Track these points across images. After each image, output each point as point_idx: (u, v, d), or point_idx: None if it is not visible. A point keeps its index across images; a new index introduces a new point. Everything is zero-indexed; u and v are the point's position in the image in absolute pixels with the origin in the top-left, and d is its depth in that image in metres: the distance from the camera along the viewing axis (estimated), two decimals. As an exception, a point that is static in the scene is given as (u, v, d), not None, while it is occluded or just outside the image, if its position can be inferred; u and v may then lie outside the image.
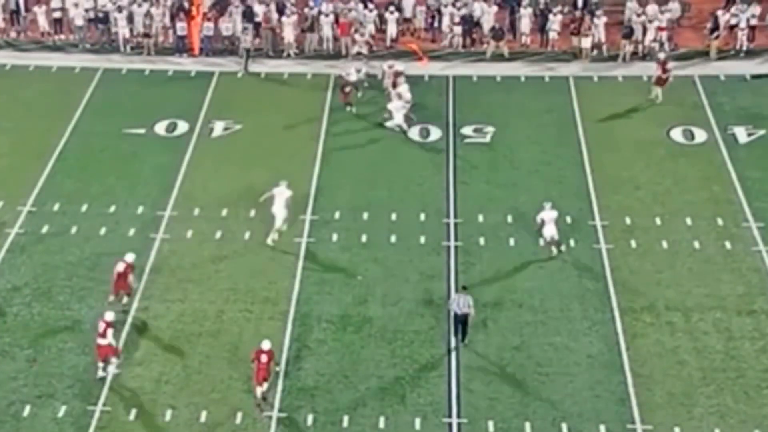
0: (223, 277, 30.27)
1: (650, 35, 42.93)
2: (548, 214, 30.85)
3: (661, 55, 40.13)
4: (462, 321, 27.83)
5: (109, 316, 26.63)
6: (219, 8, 44.50)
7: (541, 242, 31.14)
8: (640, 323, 28.56)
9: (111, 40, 44.26)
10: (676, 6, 44.35)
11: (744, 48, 43.16)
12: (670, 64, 39.65)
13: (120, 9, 43.84)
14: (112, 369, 26.74)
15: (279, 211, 31.53)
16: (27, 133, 37.78)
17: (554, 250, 31.00)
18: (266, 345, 26.03)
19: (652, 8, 43.71)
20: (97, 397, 26.14)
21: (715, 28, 42.79)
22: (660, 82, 39.24)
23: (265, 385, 25.91)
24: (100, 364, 26.69)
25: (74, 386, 26.48)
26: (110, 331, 26.42)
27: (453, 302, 28.03)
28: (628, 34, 42.67)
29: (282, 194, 31.60)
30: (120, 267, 28.92)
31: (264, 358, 25.88)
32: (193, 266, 30.73)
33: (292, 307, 29.14)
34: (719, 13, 43.19)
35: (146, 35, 43.56)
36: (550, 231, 30.82)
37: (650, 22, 42.98)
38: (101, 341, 26.45)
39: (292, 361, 27.22)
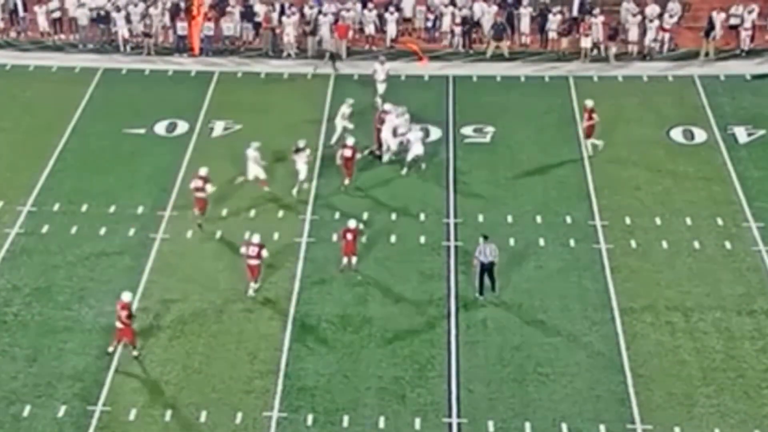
0: (223, 277, 30.26)
1: (650, 35, 42.90)
2: (414, 134, 34.63)
3: (589, 102, 35.73)
4: (488, 270, 28.72)
5: (256, 238, 29.03)
6: (219, 8, 44.50)
7: (404, 171, 34.72)
8: (640, 323, 28.55)
9: (111, 39, 44.28)
10: (678, 7, 44.29)
11: (746, 48, 43.16)
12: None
13: (119, 9, 43.85)
14: (251, 292, 29.22)
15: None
16: (27, 133, 37.78)
17: (412, 168, 34.52)
18: (352, 224, 29.87)
19: (651, 8, 43.70)
20: (97, 397, 26.15)
21: (711, 29, 42.65)
22: (589, 131, 35.61)
23: (354, 259, 29.84)
24: (253, 285, 29.18)
25: (74, 386, 26.48)
26: (264, 252, 28.94)
27: (479, 252, 28.79)
28: (613, 35, 42.58)
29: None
30: (348, 152, 33.48)
31: (349, 235, 29.60)
32: (193, 266, 30.73)
33: (292, 307, 29.13)
34: (713, 13, 43.09)
35: (146, 35, 43.56)
36: (416, 150, 34.40)
37: (650, 21, 42.97)
38: (253, 262, 28.95)
39: (292, 361, 27.24)
